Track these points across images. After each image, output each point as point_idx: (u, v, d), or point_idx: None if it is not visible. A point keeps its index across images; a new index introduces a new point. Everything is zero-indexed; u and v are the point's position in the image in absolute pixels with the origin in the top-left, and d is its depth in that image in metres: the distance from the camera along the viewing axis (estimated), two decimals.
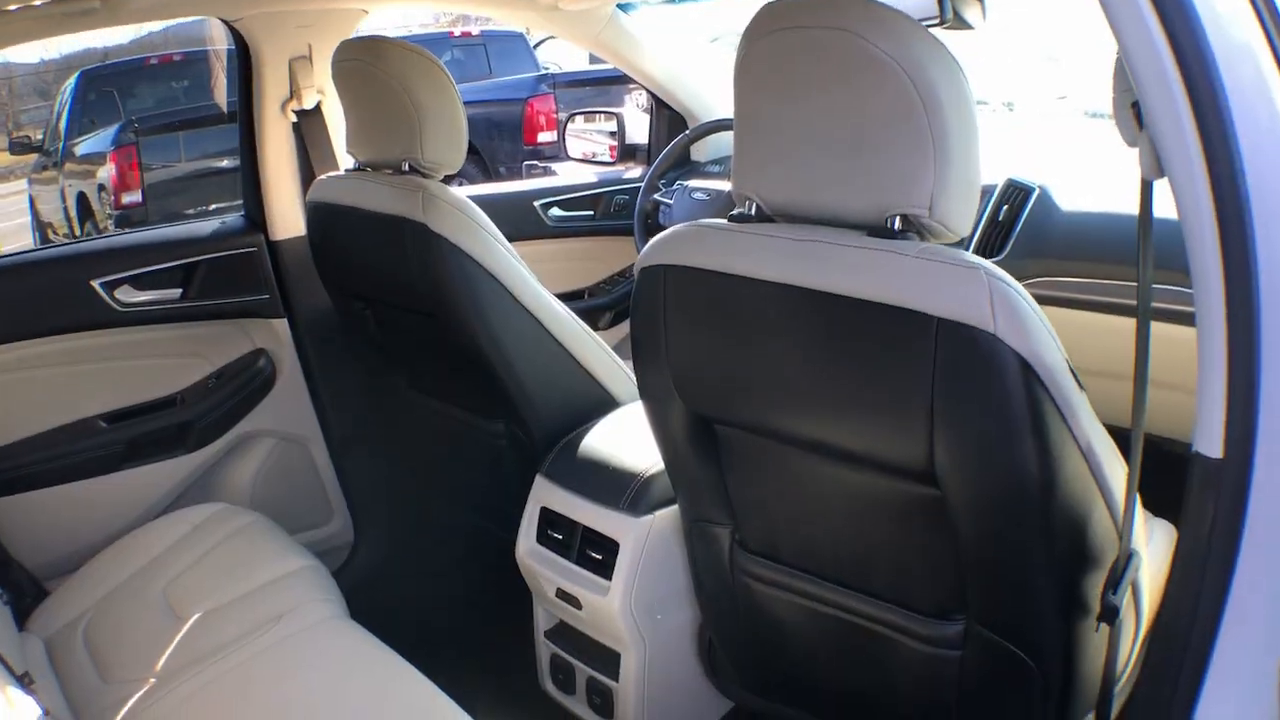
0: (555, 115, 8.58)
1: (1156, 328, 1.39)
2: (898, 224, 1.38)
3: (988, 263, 1.31)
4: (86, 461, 2.75)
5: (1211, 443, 1.15)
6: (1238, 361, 1.13)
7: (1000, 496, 1.34)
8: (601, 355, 2.36)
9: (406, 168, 2.30)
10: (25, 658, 2.11)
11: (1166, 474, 1.55)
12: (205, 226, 3.01)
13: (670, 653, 2.11)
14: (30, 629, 2.48)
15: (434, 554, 3.15)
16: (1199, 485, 1.17)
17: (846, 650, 1.72)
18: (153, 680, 2.13)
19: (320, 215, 2.56)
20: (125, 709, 2.07)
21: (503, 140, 9.08)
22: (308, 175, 2.91)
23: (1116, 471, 1.43)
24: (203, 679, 2.10)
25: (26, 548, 2.73)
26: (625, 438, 2.18)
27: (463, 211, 2.20)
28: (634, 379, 2.36)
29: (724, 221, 1.55)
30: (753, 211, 1.54)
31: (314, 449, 3.03)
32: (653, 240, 1.63)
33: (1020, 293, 1.29)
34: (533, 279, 2.28)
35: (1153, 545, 1.76)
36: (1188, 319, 2.05)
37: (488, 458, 2.50)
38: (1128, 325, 1.57)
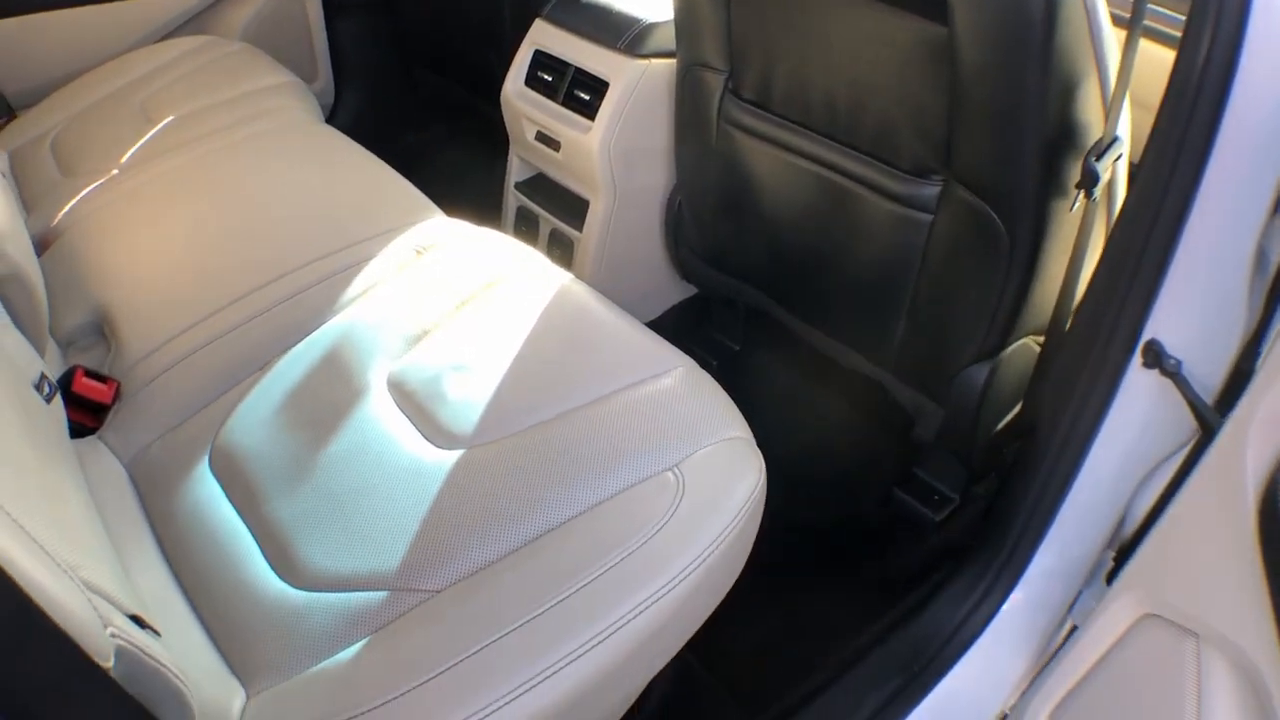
0: None
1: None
2: None
3: None
4: None
5: None
6: None
7: (1007, 22, 1.31)
8: None
9: None
10: None
11: None
12: None
13: (637, 212, 2.12)
14: None
15: (413, 117, 3.12)
16: None
17: (818, 210, 1.72)
18: (115, 171, 2.11)
19: None
20: (80, 195, 2.06)
21: None
22: None
23: (1111, 58, 1.41)
24: (168, 166, 2.09)
25: (3, 73, 2.67)
26: None
27: None
28: None
29: None
30: None
31: (308, 3, 2.95)
32: None
33: None
34: None
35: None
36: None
37: (486, 15, 2.44)
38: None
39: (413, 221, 1.78)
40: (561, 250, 2.20)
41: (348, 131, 2.16)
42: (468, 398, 1.37)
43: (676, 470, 1.24)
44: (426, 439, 1.34)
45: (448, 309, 1.54)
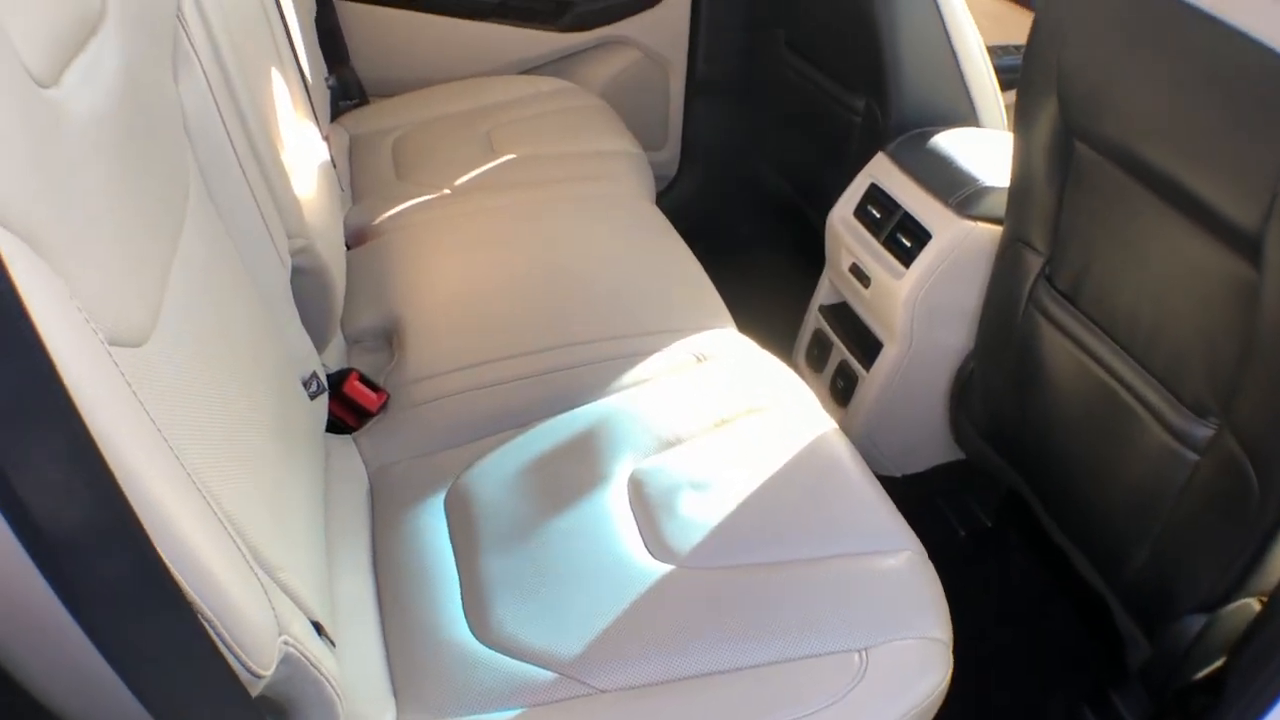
0: None
1: None
2: None
3: None
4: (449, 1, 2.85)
5: None
6: None
7: None
8: (981, 70, 2.24)
9: None
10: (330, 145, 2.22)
11: None
12: None
13: (928, 367, 2.11)
14: (341, 123, 2.65)
15: (745, 209, 3.18)
16: None
17: (1096, 417, 1.68)
18: (447, 190, 2.26)
19: None
20: (409, 203, 2.21)
21: None
22: None
23: None
24: (497, 202, 2.27)
25: (365, 57, 2.86)
26: (975, 150, 2.11)
27: None
28: (1002, 110, 2.30)
29: None
30: None
31: (672, 76, 3.06)
32: None
33: None
34: None
35: None
36: None
37: (837, 133, 2.49)
38: None
39: (703, 327, 1.84)
40: (845, 383, 2.21)
41: (680, 208, 2.25)
42: (695, 517, 1.41)
43: (863, 654, 1.24)
44: (645, 544, 1.39)
45: (707, 424, 1.58)
